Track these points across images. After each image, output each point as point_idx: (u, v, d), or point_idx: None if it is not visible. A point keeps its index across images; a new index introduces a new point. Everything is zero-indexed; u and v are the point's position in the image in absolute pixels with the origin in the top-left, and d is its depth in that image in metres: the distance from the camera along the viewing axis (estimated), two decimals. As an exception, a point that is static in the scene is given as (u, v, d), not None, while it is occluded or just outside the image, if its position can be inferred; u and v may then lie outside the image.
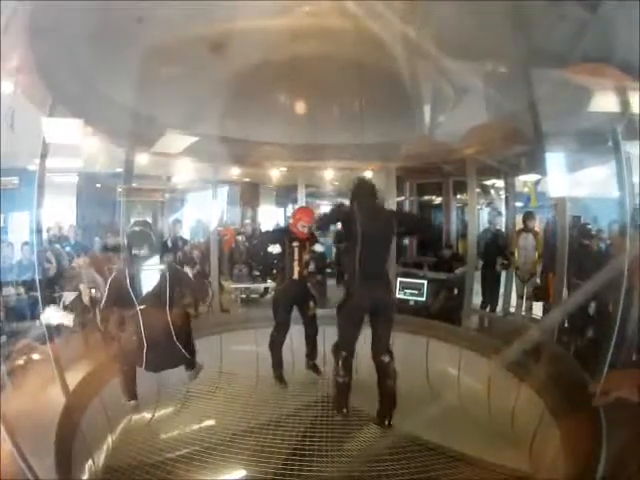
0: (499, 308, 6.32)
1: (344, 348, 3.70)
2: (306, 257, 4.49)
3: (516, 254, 6.04)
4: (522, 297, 6.08)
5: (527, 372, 3.75)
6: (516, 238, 6.08)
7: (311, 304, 4.57)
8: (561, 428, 2.98)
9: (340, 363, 3.70)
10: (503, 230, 6.58)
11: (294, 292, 4.52)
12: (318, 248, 4.63)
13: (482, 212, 7.22)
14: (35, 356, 3.84)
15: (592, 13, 2.62)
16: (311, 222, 4.45)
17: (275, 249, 4.42)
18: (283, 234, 4.54)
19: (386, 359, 3.61)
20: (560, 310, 4.13)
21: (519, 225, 6.22)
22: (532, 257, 5.91)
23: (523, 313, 6.04)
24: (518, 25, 3.06)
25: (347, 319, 3.71)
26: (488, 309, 6.27)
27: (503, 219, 6.80)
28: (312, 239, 4.56)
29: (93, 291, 5.07)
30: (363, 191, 3.75)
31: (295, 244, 4.43)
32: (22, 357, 3.85)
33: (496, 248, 6.26)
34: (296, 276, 4.46)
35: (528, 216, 6.04)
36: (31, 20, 2.83)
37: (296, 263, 4.44)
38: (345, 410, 3.78)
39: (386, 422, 3.67)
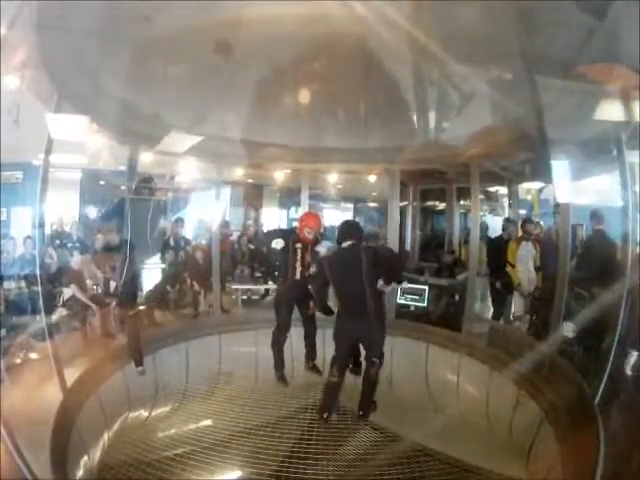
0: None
1: (338, 361, 3.77)
2: (308, 258, 4.53)
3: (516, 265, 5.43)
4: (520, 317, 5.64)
5: (526, 380, 3.73)
6: (515, 247, 5.46)
7: (311, 304, 4.60)
8: (559, 436, 2.96)
9: (335, 367, 3.75)
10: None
11: (296, 292, 4.56)
12: (321, 249, 4.65)
13: (486, 218, 7.16)
14: (33, 355, 3.84)
15: (599, 20, 2.61)
16: (316, 228, 4.55)
17: (279, 244, 4.45)
18: (289, 234, 4.58)
19: (375, 359, 3.66)
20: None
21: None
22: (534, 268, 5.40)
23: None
24: (524, 31, 3.05)
25: (338, 344, 3.79)
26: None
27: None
28: (315, 242, 4.60)
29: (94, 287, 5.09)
30: (344, 234, 3.86)
31: (298, 245, 4.49)
32: (20, 354, 3.85)
33: (502, 256, 5.66)
34: (298, 276, 4.51)
35: (527, 222, 5.57)
36: (37, 17, 2.84)
37: (298, 264, 4.50)
38: (326, 415, 3.75)
39: (360, 412, 3.70)
